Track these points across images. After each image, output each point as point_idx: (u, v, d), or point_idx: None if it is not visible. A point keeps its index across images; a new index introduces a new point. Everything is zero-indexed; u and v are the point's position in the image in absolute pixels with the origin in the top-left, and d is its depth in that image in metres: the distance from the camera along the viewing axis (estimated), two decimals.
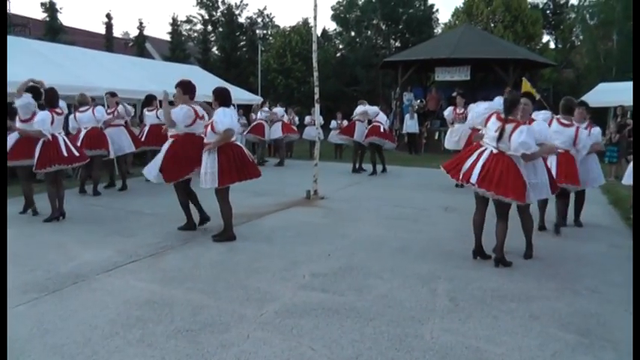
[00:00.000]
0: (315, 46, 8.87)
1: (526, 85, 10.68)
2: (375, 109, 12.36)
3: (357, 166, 12.45)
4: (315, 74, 8.97)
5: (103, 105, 9.49)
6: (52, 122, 6.57)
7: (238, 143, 5.90)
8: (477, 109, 6.32)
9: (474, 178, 4.78)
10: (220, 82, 18.88)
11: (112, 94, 9.62)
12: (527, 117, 5.11)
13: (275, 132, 14.51)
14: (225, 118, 5.53)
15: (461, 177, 4.91)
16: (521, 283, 4.51)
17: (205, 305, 3.94)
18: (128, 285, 4.37)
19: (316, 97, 9.07)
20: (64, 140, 6.78)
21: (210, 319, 3.69)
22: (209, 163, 5.58)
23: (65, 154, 6.66)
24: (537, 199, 5.55)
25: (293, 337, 3.43)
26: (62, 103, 7.39)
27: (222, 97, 5.80)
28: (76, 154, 6.87)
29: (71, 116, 8.91)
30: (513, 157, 4.76)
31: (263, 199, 8.47)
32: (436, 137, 17.81)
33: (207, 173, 5.60)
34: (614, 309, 3.98)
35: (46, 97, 6.82)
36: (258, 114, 14.90)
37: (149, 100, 10.29)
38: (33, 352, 3.18)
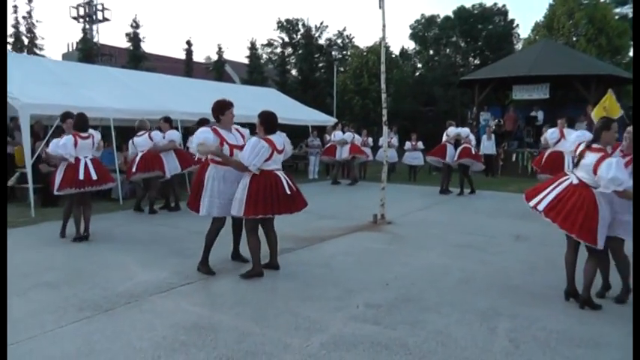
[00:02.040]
0: (383, 68, 8.75)
1: (610, 99, 9.95)
2: (467, 130, 12.73)
3: (445, 187, 12.48)
4: (384, 96, 8.85)
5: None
6: (75, 145, 6.77)
7: (279, 174, 5.26)
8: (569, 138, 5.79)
9: (542, 206, 4.43)
10: (296, 104, 19.21)
11: (166, 120, 9.73)
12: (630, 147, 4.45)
13: (343, 153, 14.57)
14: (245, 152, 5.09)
15: (533, 203, 4.56)
16: (592, 325, 4.07)
17: (251, 332, 3.85)
18: (178, 307, 4.38)
19: (384, 119, 8.92)
20: (86, 163, 6.85)
21: (254, 347, 3.60)
22: (240, 190, 5.15)
23: (82, 177, 6.74)
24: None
25: None
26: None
27: (267, 123, 5.32)
28: (94, 177, 6.83)
29: (130, 141, 9.33)
30: (597, 194, 4.26)
31: (328, 222, 8.38)
32: (513, 159, 17.04)
33: (236, 199, 5.17)
34: None
35: (74, 122, 6.99)
36: (332, 136, 14.95)
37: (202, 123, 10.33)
38: None
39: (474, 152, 12.28)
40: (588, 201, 4.26)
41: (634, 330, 2.62)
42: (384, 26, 8.52)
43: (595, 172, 4.22)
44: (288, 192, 5.21)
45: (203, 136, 5.25)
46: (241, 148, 5.24)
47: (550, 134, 9.73)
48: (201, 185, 5.37)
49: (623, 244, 4.52)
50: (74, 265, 5.73)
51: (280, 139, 5.32)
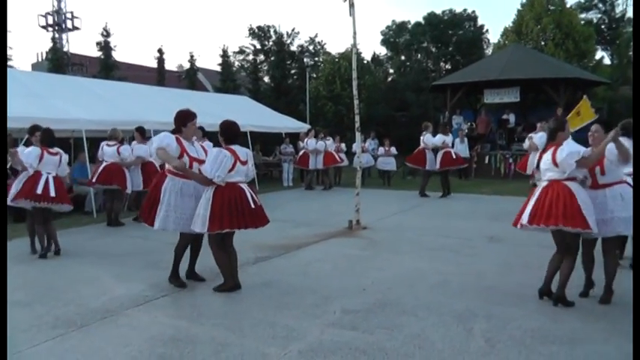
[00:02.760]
0: (354, 74, 8.83)
1: (585, 105, 10.24)
2: (450, 137, 13.05)
3: (423, 190, 12.68)
4: (356, 102, 8.94)
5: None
6: (40, 159, 6.57)
7: (243, 187, 4.99)
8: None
9: (524, 219, 4.58)
10: (269, 112, 19.21)
11: (139, 130, 9.59)
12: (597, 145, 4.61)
13: (318, 163, 14.85)
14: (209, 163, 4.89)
15: (520, 223, 4.70)
16: (565, 323, 4.17)
17: (229, 343, 3.84)
18: (155, 321, 4.34)
19: (357, 124, 8.99)
20: (47, 179, 6.60)
21: (233, 357, 3.60)
22: (203, 205, 4.90)
23: (39, 191, 6.48)
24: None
25: None
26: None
27: (227, 132, 5.10)
28: (52, 194, 6.54)
29: (101, 145, 9.15)
30: (569, 184, 4.42)
31: (304, 230, 8.40)
32: (486, 161, 17.33)
33: (199, 215, 4.91)
34: None
35: (40, 136, 6.79)
36: (305, 143, 15.04)
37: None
38: None
39: (454, 157, 12.62)
40: (563, 191, 4.41)
41: (634, 330, 2.70)
42: (354, 33, 8.61)
43: (555, 162, 4.44)
44: (252, 206, 4.94)
45: (166, 141, 5.01)
46: (202, 162, 5.04)
47: (539, 139, 10.07)
48: (157, 197, 5.12)
49: (616, 246, 4.70)
50: (47, 281, 5.61)
51: (243, 150, 5.08)
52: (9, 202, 6.67)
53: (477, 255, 6.55)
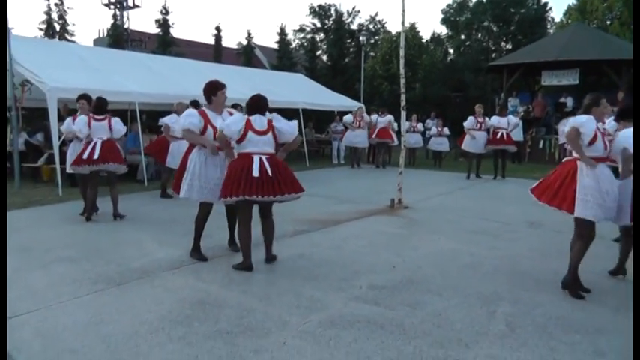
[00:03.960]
0: (402, 52, 8.72)
1: None
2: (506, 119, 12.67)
3: (477, 172, 12.62)
4: (402, 81, 8.83)
5: None
6: (88, 125, 7.01)
7: (255, 157, 4.81)
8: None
9: (536, 193, 4.61)
10: (323, 90, 19.25)
11: (193, 103, 9.70)
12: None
13: (361, 138, 15.01)
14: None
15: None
16: (593, 312, 4.07)
17: (254, 309, 3.99)
18: (188, 284, 4.56)
19: (403, 103, 8.91)
20: (95, 144, 6.97)
21: (254, 323, 3.74)
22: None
23: (85, 156, 6.90)
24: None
25: (328, 348, 3.37)
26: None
27: (249, 105, 5.09)
28: (95, 157, 6.88)
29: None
30: (579, 164, 4.34)
31: (345, 207, 8.47)
32: (540, 146, 16.74)
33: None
34: None
35: (93, 104, 7.25)
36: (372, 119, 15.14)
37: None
38: (85, 339, 3.43)
39: (503, 138, 12.34)
40: (567, 171, 4.36)
41: (634, 330, 2.64)
42: (403, 11, 8.50)
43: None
44: (255, 175, 4.71)
45: (188, 121, 5.11)
46: None
47: (609, 124, 9.84)
48: (184, 168, 5.28)
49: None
50: (94, 241, 6.02)
51: (262, 120, 4.96)
52: (68, 171, 7.16)
53: (515, 240, 6.43)
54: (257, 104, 5.04)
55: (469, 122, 12.52)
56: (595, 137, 4.27)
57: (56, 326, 3.64)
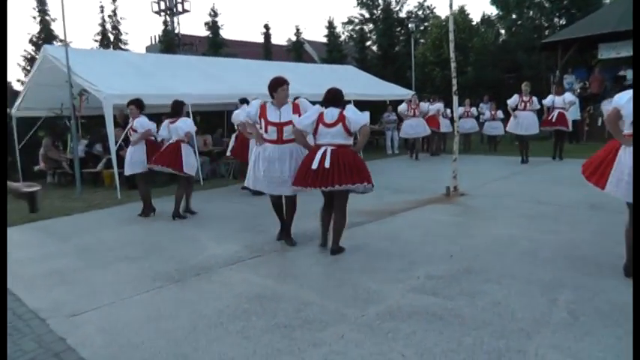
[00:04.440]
0: (451, 36, 8.49)
1: None
2: (562, 97, 12.12)
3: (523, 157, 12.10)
4: (453, 65, 8.60)
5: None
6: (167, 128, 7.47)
7: (321, 149, 5.12)
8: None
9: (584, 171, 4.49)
10: (373, 80, 19.08)
11: (242, 101, 9.86)
12: None
13: (420, 127, 14.38)
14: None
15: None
16: None
17: (311, 302, 3.98)
18: (244, 279, 4.60)
19: (454, 88, 8.69)
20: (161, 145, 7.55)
21: (312, 316, 3.73)
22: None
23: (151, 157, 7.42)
24: None
25: (387, 341, 3.31)
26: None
27: (324, 98, 5.40)
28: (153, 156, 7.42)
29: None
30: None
31: (401, 196, 8.35)
32: (599, 124, 15.89)
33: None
34: None
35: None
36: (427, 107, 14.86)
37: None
38: (145, 334, 3.53)
39: (554, 119, 11.89)
40: (612, 148, 4.16)
41: (634, 329, 2.45)
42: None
43: None
44: (314, 166, 4.99)
45: (244, 113, 5.75)
46: (281, 124, 5.35)
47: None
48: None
49: None
50: (153, 240, 6.21)
51: (334, 112, 5.16)
52: (126, 172, 7.57)
53: (575, 223, 6.14)
54: (331, 97, 5.31)
55: (513, 100, 11.99)
56: None
57: (117, 323, 3.76)
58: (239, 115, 8.95)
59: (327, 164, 4.96)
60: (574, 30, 18.58)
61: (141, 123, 7.49)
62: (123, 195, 9.43)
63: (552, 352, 3.06)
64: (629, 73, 16.39)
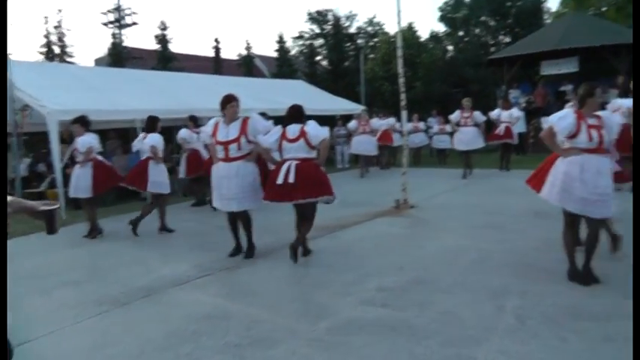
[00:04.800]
0: (399, 52, 8.68)
1: None
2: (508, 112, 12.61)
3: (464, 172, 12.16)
4: (401, 80, 8.79)
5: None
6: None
7: (285, 164, 5.44)
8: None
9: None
10: (323, 94, 19.24)
11: (191, 119, 9.94)
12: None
13: (369, 144, 14.35)
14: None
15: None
16: (604, 299, 3.99)
17: (262, 320, 3.94)
18: (193, 299, 4.52)
19: (402, 103, 8.87)
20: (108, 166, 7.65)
21: (263, 333, 3.69)
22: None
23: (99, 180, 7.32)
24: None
25: (339, 354, 3.32)
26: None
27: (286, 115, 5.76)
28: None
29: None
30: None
31: (351, 210, 8.36)
32: None
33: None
34: None
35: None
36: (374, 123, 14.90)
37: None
38: None
39: (501, 133, 12.31)
40: (552, 158, 4.47)
41: (634, 330, 2.56)
42: (399, 11, 8.48)
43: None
44: (279, 181, 5.28)
45: (205, 130, 5.85)
46: (227, 143, 5.49)
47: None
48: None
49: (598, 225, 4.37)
50: (99, 262, 5.99)
51: (295, 128, 5.48)
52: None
53: (521, 231, 6.35)
54: (293, 114, 5.66)
55: (455, 116, 12.20)
56: (577, 131, 4.21)
57: (60, 353, 3.60)
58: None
59: (291, 179, 5.24)
60: (518, 47, 19.46)
61: (82, 142, 7.22)
62: (68, 215, 9.06)
63: (501, 357, 3.16)
64: (569, 88, 17.26)
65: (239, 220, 5.76)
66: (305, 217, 5.59)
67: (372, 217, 7.77)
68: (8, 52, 9.53)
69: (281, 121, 5.79)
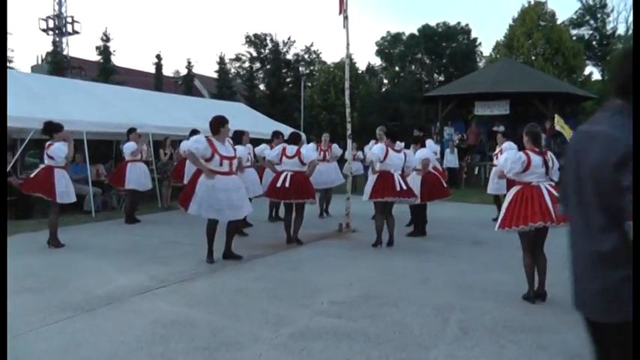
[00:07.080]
0: (347, 84, 9.25)
1: (560, 122, 10.76)
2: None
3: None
4: (348, 110, 9.36)
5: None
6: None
7: (284, 173, 7.52)
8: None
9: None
10: (264, 119, 19.55)
11: (130, 131, 9.97)
12: None
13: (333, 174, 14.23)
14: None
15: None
16: (536, 315, 4.55)
17: (225, 327, 4.19)
18: (156, 307, 4.69)
19: (348, 132, 9.39)
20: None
21: (228, 339, 3.94)
22: None
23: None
24: None
25: (302, 357, 3.63)
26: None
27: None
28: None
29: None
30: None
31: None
32: (476, 172, 17.74)
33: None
34: None
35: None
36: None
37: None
38: None
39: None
40: (517, 196, 4.91)
41: (634, 330, 3.02)
42: (347, 45, 9.04)
43: None
44: (278, 185, 7.39)
45: (195, 145, 6.18)
46: (231, 158, 6.30)
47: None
48: (194, 188, 6.28)
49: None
50: (53, 272, 5.94)
51: (293, 148, 7.50)
52: None
53: (460, 256, 6.93)
54: (292, 137, 7.89)
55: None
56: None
57: (33, 352, 3.69)
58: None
59: (287, 184, 7.30)
60: (454, 87, 20.85)
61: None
62: (11, 225, 8.80)
63: None
64: (501, 129, 18.58)
65: (233, 225, 6.56)
66: (297, 213, 7.51)
67: (317, 239, 8.13)
68: None
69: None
